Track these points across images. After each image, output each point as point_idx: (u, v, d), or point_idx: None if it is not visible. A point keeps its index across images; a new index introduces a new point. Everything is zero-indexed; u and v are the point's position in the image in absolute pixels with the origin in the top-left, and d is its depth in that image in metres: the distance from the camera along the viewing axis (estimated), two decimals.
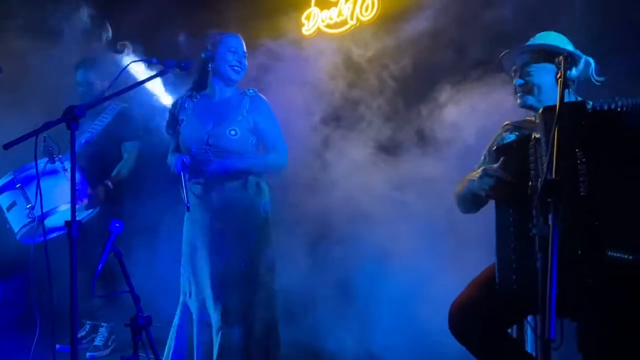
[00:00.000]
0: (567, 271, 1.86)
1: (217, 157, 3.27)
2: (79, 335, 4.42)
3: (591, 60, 2.46)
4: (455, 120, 3.68)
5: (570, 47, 2.48)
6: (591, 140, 2.04)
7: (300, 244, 4.18)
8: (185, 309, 3.36)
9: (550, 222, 1.73)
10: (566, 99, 2.41)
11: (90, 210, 3.98)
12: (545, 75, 2.47)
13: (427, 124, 3.90)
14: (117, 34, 4.39)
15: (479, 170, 2.34)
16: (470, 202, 2.56)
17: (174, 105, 3.51)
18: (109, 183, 4.13)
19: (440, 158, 3.75)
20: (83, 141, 3.89)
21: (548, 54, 2.44)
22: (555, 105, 1.97)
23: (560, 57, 2.12)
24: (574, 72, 2.41)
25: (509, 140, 2.50)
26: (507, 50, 2.56)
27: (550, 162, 1.99)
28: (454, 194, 2.65)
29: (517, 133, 2.52)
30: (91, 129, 3.99)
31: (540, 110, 2.16)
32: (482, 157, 2.67)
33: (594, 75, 2.46)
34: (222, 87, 3.40)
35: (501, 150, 2.32)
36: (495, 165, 2.30)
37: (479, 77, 3.54)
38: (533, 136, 2.18)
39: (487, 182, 2.28)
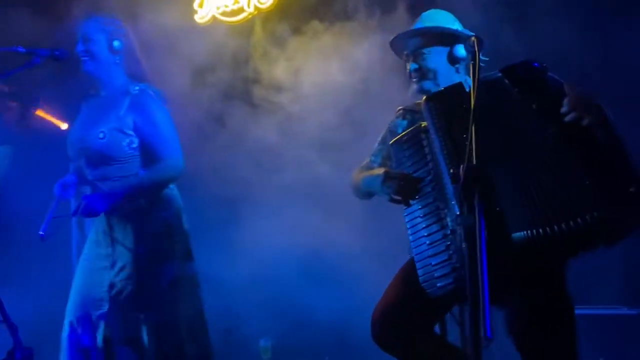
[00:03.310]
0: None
1: (91, 163, 2.95)
2: None
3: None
4: None
5: (457, 25, 2.44)
6: (477, 122, 1.95)
7: None
8: (72, 332, 2.98)
9: (476, 211, 1.64)
10: (458, 80, 2.37)
11: None
12: (439, 58, 2.41)
13: None
14: None
15: (380, 173, 2.29)
16: (368, 195, 2.58)
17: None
18: None
19: None
20: None
21: (439, 35, 2.39)
22: (437, 93, 1.97)
23: (473, 39, 2.02)
24: (462, 51, 2.36)
25: (402, 128, 2.45)
26: (395, 35, 2.48)
27: (443, 153, 2.02)
28: (351, 182, 2.62)
29: (409, 118, 2.48)
30: None
31: (423, 99, 2.13)
32: (377, 145, 2.62)
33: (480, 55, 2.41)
34: (103, 83, 3.04)
35: (398, 144, 2.28)
36: (388, 174, 2.27)
37: None
38: (423, 125, 2.14)
39: (390, 187, 2.24)
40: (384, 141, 2.57)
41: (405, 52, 2.50)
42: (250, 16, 4.53)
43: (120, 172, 2.95)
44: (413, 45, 2.44)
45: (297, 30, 4.22)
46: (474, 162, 1.71)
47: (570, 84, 1.96)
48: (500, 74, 2.02)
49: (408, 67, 2.48)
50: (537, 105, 1.96)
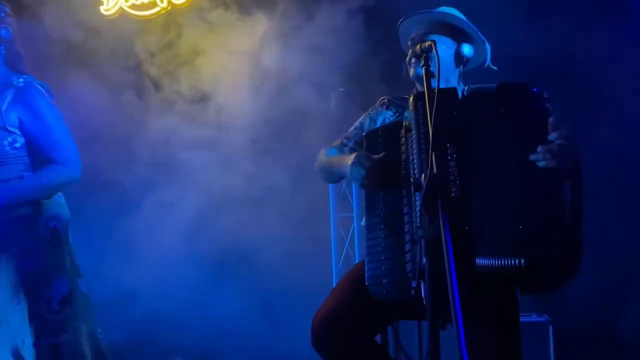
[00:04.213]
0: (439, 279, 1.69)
1: None
2: None
3: (488, 47, 2.34)
4: None
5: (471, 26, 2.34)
6: (462, 134, 1.90)
7: None
8: None
9: (441, 224, 1.54)
10: (453, 82, 2.32)
11: None
12: (446, 50, 2.27)
13: None
14: None
15: (352, 157, 2.12)
16: (337, 179, 2.47)
17: None
18: None
19: None
20: None
21: (451, 28, 2.28)
22: (429, 92, 1.79)
23: (430, 43, 1.93)
24: (469, 52, 2.27)
25: (385, 119, 2.34)
26: (406, 16, 2.34)
27: (421, 157, 1.88)
28: (318, 162, 2.48)
29: (392, 110, 2.36)
30: None
31: (412, 96, 1.99)
32: (353, 128, 2.47)
33: (490, 64, 2.35)
34: None
35: (372, 137, 2.13)
36: (363, 155, 2.10)
37: None
38: (404, 123, 2.02)
39: (360, 172, 2.06)
40: (362, 127, 2.43)
41: (411, 36, 2.34)
42: (162, 11, 4.29)
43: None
44: (423, 29, 2.31)
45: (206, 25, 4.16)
46: (436, 171, 1.62)
47: (556, 122, 1.88)
48: (495, 89, 1.95)
49: (410, 52, 2.31)
50: (516, 132, 1.89)
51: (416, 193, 1.85)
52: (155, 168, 4.15)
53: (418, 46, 1.94)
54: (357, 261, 3.97)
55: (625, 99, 3.50)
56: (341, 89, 4.17)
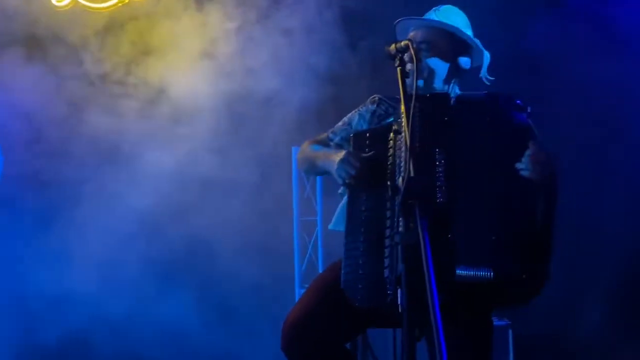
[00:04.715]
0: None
1: None
2: None
3: (488, 56, 2.26)
4: None
5: (470, 31, 2.26)
6: (452, 139, 1.88)
7: None
8: None
9: (419, 229, 1.48)
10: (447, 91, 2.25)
11: None
12: (443, 60, 2.20)
13: None
14: None
15: (341, 154, 2.04)
16: (320, 173, 2.44)
17: None
18: None
19: None
20: None
21: (451, 37, 2.20)
22: (421, 96, 1.79)
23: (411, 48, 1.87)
24: (467, 64, 2.21)
25: (372, 116, 2.26)
26: (404, 18, 2.24)
27: (407, 161, 1.79)
28: (301, 154, 2.39)
29: (383, 109, 2.28)
30: None
31: (403, 98, 1.92)
32: (340, 124, 2.37)
33: (486, 75, 2.27)
34: None
35: (360, 137, 2.07)
36: (352, 154, 2.03)
37: None
38: (394, 126, 1.96)
39: (347, 171, 1.99)
40: (350, 123, 2.34)
41: (408, 38, 2.19)
42: (120, 3, 4.12)
43: None
44: (420, 36, 2.21)
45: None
46: (413, 174, 1.57)
47: (536, 136, 1.90)
48: (482, 97, 1.95)
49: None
50: (500, 142, 1.89)
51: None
52: (100, 164, 4.04)
53: (393, 46, 1.89)
54: (320, 268, 3.91)
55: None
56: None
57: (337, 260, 2.17)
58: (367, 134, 2.06)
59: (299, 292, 3.79)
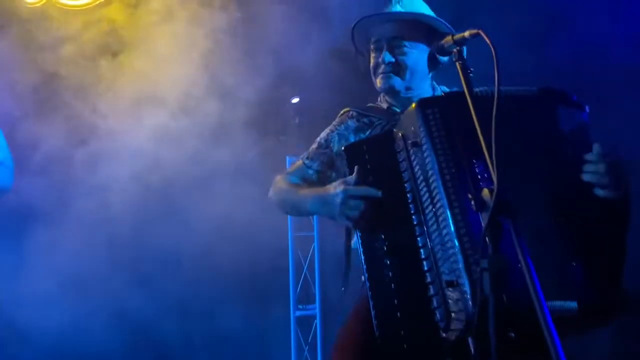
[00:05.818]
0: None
1: None
2: None
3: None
4: None
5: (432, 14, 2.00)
6: (509, 145, 1.53)
7: None
8: None
9: (519, 250, 1.21)
10: (427, 87, 2.00)
11: None
12: (420, 56, 1.95)
13: None
14: None
15: (337, 187, 1.70)
16: (306, 214, 2.25)
17: None
18: None
19: None
20: None
21: (422, 28, 1.93)
22: (432, 98, 1.65)
23: (469, 33, 1.61)
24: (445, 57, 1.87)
25: (358, 133, 1.98)
26: (367, 15, 1.96)
27: (452, 172, 1.55)
28: (275, 193, 2.04)
29: (366, 120, 2.00)
30: None
31: (415, 104, 1.64)
32: (315, 147, 2.07)
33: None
34: None
35: (355, 152, 1.72)
36: (353, 178, 1.68)
37: None
38: (400, 134, 1.66)
39: (356, 207, 1.66)
40: (327, 145, 2.04)
41: (374, 39, 1.98)
42: (97, 2, 3.82)
43: None
44: (390, 31, 1.94)
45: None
46: (497, 186, 1.30)
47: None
48: (536, 91, 1.66)
49: (376, 58, 1.97)
50: (565, 147, 1.63)
51: (447, 219, 1.51)
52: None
53: (449, 37, 1.63)
54: (317, 289, 3.59)
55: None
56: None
57: (357, 304, 1.85)
58: (364, 146, 1.73)
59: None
